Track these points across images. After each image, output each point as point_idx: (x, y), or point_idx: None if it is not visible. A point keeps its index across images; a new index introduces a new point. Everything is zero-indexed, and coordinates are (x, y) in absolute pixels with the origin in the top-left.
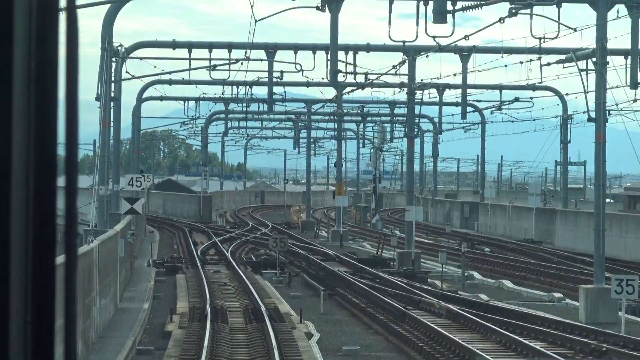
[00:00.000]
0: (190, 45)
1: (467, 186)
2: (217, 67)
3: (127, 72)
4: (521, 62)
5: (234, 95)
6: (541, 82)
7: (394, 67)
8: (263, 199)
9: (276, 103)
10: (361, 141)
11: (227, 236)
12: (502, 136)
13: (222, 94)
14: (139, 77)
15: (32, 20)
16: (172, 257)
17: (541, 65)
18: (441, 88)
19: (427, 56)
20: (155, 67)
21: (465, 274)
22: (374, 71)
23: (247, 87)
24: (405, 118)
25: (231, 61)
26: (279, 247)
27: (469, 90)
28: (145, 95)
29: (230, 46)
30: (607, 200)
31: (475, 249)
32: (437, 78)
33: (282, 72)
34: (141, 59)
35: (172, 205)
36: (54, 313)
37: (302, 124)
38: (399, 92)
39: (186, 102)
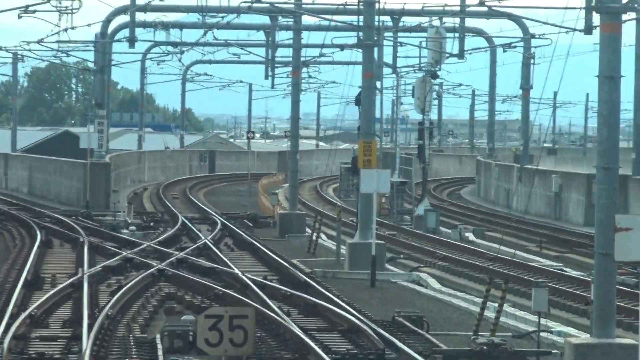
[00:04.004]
0: None
1: (506, 140)
2: None
3: None
4: None
5: None
6: None
7: None
8: (213, 164)
9: None
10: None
11: (120, 257)
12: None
13: None
14: None
15: None
16: None
17: None
18: None
19: None
20: None
21: None
22: None
23: None
24: None
25: None
26: (233, 349)
27: None
28: None
29: None
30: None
31: None
32: None
33: None
34: None
35: (43, 180)
36: None
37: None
38: None
39: None
